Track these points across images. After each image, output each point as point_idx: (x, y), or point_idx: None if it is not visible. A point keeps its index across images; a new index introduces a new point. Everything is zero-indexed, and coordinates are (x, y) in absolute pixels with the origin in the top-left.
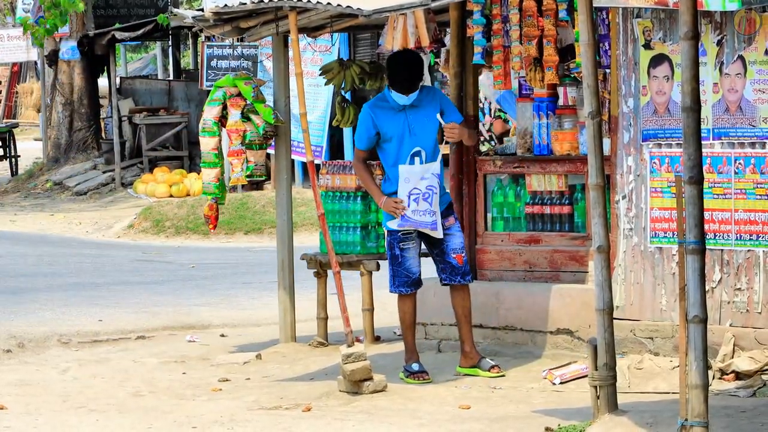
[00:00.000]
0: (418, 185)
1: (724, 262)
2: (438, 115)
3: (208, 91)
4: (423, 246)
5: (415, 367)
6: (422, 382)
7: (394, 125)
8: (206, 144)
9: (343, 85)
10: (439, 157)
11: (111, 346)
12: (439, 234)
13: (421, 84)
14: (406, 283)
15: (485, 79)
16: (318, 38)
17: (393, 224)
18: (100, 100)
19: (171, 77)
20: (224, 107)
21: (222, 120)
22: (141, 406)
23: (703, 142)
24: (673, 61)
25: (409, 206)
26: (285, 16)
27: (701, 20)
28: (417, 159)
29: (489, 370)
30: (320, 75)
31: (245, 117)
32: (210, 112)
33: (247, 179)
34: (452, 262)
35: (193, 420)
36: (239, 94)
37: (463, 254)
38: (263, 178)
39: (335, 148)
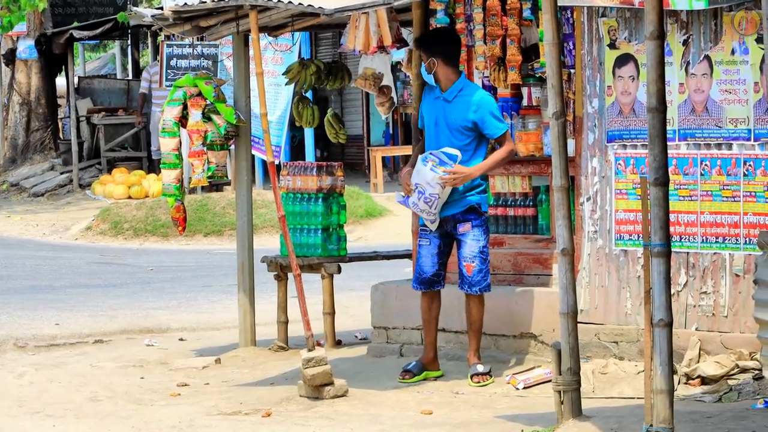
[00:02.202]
0: (424, 186)
1: (690, 265)
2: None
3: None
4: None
5: (407, 365)
6: (402, 380)
7: (431, 111)
8: (167, 145)
9: (304, 86)
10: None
11: (68, 350)
12: (432, 227)
13: (467, 82)
14: (417, 280)
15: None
16: (279, 37)
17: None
18: (58, 99)
19: (130, 77)
20: (185, 107)
21: (182, 120)
22: (98, 412)
23: (668, 144)
24: (638, 61)
25: (413, 194)
26: (245, 15)
27: (667, 19)
28: (434, 161)
29: (471, 378)
30: (283, 75)
31: (206, 117)
32: (170, 113)
33: (209, 180)
34: (462, 270)
35: (151, 425)
36: (200, 94)
37: (474, 264)
38: (225, 180)
39: (296, 149)
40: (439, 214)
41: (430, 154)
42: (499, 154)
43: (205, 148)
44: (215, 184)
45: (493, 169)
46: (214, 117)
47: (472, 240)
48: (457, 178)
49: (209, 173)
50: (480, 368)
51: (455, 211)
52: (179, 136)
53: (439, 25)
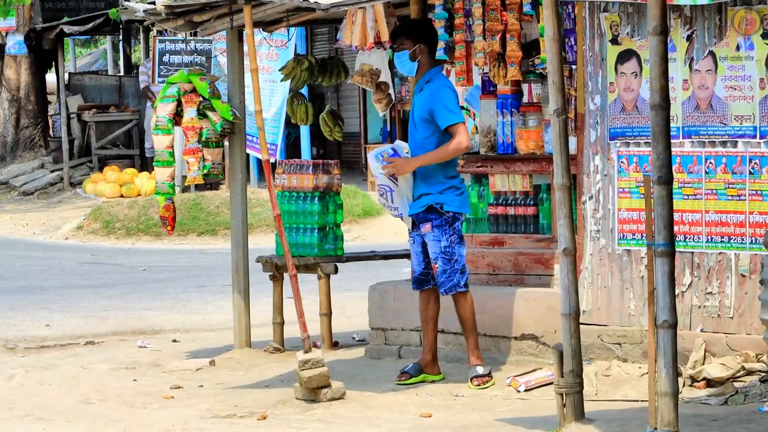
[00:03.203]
0: (378, 178)
1: (695, 265)
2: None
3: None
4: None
5: (404, 367)
6: (398, 382)
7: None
8: (160, 142)
9: (298, 82)
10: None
11: (59, 352)
12: (406, 223)
13: (436, 75)
14: (412, 280)
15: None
16: (274, 33)
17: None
18: (48, 96)
19: (121, 73)
20: (179, 104)
21: (176, 117)
22: (90, 415)
23: (672, 141)
24: (641, 57)
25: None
26: (240, 10)
27: (670, 15)
28: (386, 154)
29: (470, 380)
30: (280, 71)
31: (201, 114)
32: (164, 109)
33: (204, 178)
34: (433, 271)
35: (143, 429)
36: (194, 90)
37: (437, 264)
38: (220, 178)
39: (292, 147)
40: (405, 211)
41: (385, 147)
42: (444, 147)
43: (200, 146)
44: (210, 183)
45: (435, 161)
46: (209, 114)
47: (432, 240)
48: (394, 166)
49: (205, 171)
50: (480, 370)
51: (416, 211)
52: (173, 133)
53: (438, 21)
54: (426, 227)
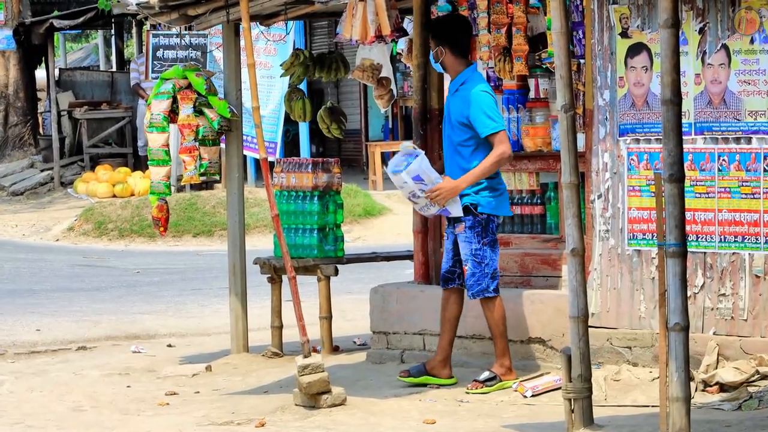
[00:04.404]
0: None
1: (707, 266)
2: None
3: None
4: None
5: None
6: (399, 377)
7: (446, 102)
8: (155, 140)
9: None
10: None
11: (50, 357)
12: (454, 213)
13: (471, 75)
14: (441, 275)
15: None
16: (272, 26)
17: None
18: (38, 93)
19: (114, 69)
20: (174, 101)
21: (171, 114)
22: (82, 422)
23: (684, 137)
24: (651, 51)
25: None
26: (236, 3)
27: (682, 7)
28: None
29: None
30: (281, 66)
31: (197, 111)
32: (158, 106)
33: (201, 178)
34: (463, 272)
35: None
36: (189, 87)
37: (467, 266)
38: (217, 177)
39: (290, 145)
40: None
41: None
42: (487, 160)
43: (197, 144)
44: (206, 182)
45: (482, 177)
46: (206, 111)
47: (464, 242)
48: (440, 193)
49: (201, 170)
50: (482, 376)
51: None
52: (168, 131)
53: (440, 13)
54: (459, 227)
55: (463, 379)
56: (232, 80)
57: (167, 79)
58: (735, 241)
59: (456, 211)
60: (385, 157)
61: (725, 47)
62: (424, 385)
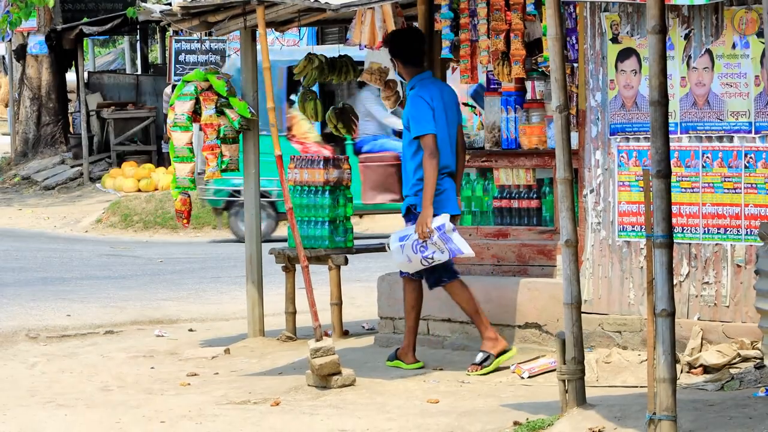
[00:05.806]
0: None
1: (692, 256)
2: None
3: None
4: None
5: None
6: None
7: None
8: (180, 139)
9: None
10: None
11: (79, 340)
12: (466, 251)
13: (419, 82)
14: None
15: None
16: (286, 32)
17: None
18: (68, 94)
19: (139, 72)
20: (197, 102)
21: (194, 115)
22: (109, 401)
23: (670, 136)
24: (640, 55)
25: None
26: (253, 11)
27: (668, 14)
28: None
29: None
30: (293, 69)
31: (219, 111)
32: (182, 107)
33: (222, 174)
34: None
35: (161, 414)
36: (210, 88)
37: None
38: (236, 172)
39: None
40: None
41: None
42: (424, 172)
43: (218, 142)
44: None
45: (431, 188)
46: (227, 111)
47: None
48: (420, 227)
49: (223, 166)
50: (477, 358)
51: (402, 213)
52: (192, 129)
53: (443, 21)
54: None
55: (464, 362)
56: (249, 83)
57: (189, 82)
58: (718, 232)
59: (463, 247)
60: None
61: (709, 52)
62: (395, 367)
